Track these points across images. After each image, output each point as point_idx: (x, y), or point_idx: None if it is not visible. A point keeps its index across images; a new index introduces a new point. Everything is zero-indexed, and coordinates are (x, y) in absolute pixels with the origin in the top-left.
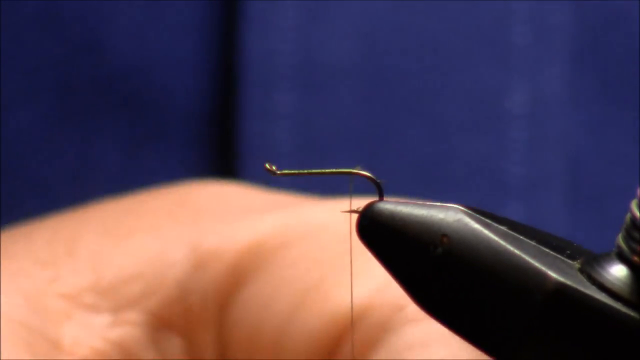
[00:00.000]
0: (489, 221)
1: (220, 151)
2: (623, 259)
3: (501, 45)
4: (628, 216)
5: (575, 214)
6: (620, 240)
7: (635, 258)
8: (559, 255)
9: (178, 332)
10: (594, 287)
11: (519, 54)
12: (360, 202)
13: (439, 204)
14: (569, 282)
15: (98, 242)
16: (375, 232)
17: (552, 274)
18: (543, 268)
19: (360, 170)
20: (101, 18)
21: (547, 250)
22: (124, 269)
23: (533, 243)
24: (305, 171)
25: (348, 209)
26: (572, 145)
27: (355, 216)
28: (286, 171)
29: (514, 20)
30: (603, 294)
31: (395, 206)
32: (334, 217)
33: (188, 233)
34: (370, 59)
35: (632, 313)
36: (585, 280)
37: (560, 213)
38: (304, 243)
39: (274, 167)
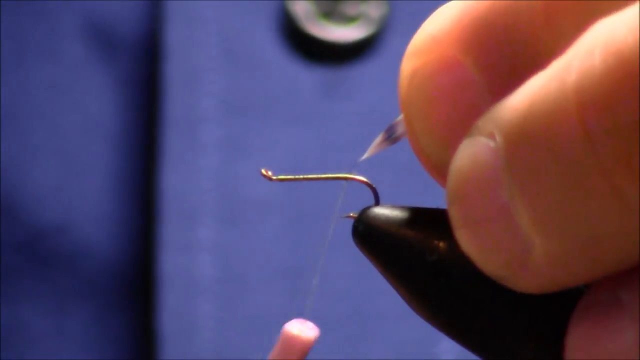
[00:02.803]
0: None
1: (141, 292)
2: None
3: None
4: None
5: None
6: None
7: None
8: None
9: None
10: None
11: None
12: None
13: (435, 208)
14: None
15: None
16: (371, 237)
17: None
18: None
19: (357, 175)
20: (16, 179)
21: None
22: None
23: None
24: (301, 176)
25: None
26: None
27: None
28: (282, 177)
29: None
30: None
31: (391, 211)
32: None
33: None
34: (290, 195)
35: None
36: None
37: None
38: None
39: (269, 173)
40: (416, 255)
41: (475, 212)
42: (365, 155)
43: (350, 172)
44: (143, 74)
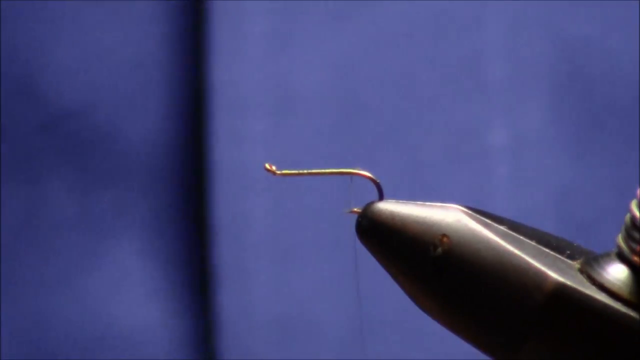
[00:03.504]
0: (489, 221)
1: (185, 183)
2: (623, 259)
3: (479, 79)
4: (628, 216)
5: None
6: (620, 240)
7: (635, 258)
8: (559, 255)
9: None
10: (593, 287)
11: (496, 87)
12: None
13: (439, 204)
14: (568, 282)
15: None
16: (375, 232)
17: (552, 274)
18: (543, 268)
19: (361, 170)
20: (43, 57)
21: (547, 250)
22: None
23: (533, 243)
24: (306, 171)
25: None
26: (556, 176)
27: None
28: (286, 171)
29: (490, 54)
30: (603, 294)
31: (395, 206)
32: None
33: None
34: (340, 89)
35: (631, 313)
36: (585, 280)
37: None
38: None
39: (273, 168)
40: (420, 251)
41: None
42: None
43: (354, 168)
44: None
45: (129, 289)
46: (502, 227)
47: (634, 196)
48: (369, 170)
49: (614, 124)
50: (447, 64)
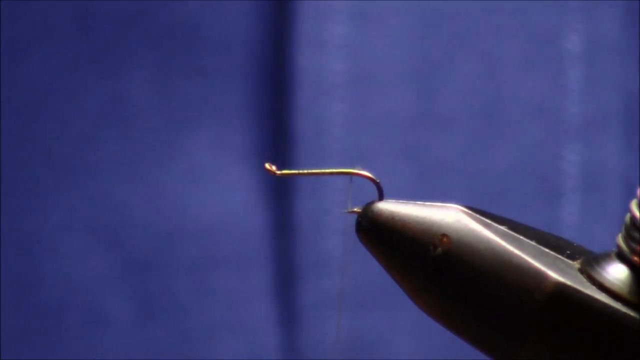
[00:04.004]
0: (488, 221)
1: (256, 78)
2: (623, 259)
3: None
4: (628, 216)
5: (635, 154)
6: (620, 240)
7: (635, 258)
8: (559, 255)
9: None
10: (593, 287)
11: None
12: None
13: (439, 204)
14: (569, 282)
15: None
16: (375, 232)
17: (552, 274)
18: (543, 268)
19: (360, 170)
20: None
21: (547, 250)
22: None
23: (533, 243)
24: (305, 171)
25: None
26: (631, 83)
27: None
28: (286, 171)
29: None
30: (603, 294)
31: (395, 206)
32: None
33: None
34: (422, 64)
35: (632, 313)
36: (585, 280)
37: (619, 153)
38: None
39: (273, 168)
40: (420, 251)
41: None
42: None
43: (354, 167)
44: None
45: (205, 181)
46: (502, 227)
47: None
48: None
49: None
50: None
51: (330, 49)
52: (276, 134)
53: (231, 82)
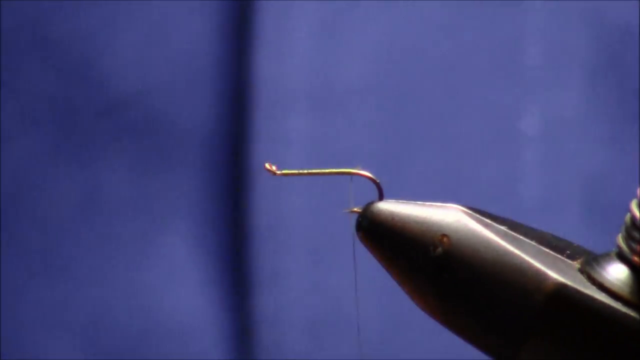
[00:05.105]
0: (488, 221)
1: (229, 173)
2: (623, 259)
3: (515, 66)
4: (628, 216)
5: (594, 233)
6: (620, 240)
7: (635, 258)
8: (559, 255)
9: None
10: (593, 287)
11: (532, 74)
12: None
13: (439, 204)
14: (569, 282)
15: None
16: (375, 232)
17: (552, 274)
18: (543, 268)
19: (361, 170)
20: (100, 44)
21: (547, 250)
22: None
23: (533, 243)
24: (306, 171)
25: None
26: (589, 164)
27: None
28: (286, 171)
29: (528, 41)
30: (603, 294)
31: (395, 206)
32: None
33: None
34: (383, 80)
35: (632, 313)
36: (585, 280)
37: (578, 232)
38: None
39: (274, 167)
40: (420, 251)
41: None
42: None
43: (355, 168)
44: None
45: (180, 277)
46: (502, 227)
47: None
48: (404, 160)
49: None
50: (484, 51)
51: (289, 142)
52: (237, 232)
53: (202, 175)
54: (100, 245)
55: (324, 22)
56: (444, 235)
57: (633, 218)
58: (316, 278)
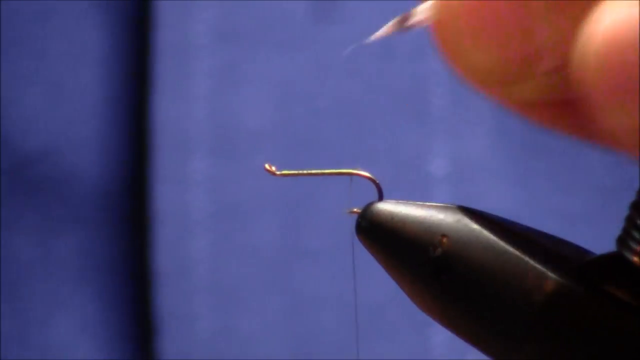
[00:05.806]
0: (489, 222)
1: (135, 225)
2: (623, 259)
3: (421, 108)
4: (628, 216)
5: None
6: (620, 240)
7: (635, 258)
8: (558, 255)
9: None
10: (593, 288)
11: (439, 115)
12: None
13: (439, 204)
14: (568, 282)
15: None
16: (375, 233)
17: (552, 274)
18: (543, 268)
19: (361, 170)
20: (2, 104)
21: (547, 250)
22: None
23: (533, 243)
24: (305, 171)
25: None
26: (498, 202)
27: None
28: (285, 172)
29: (433, 81)
30: (603, 294)
31: (395, 206)
32: None
33: None
34: (287, 122)
35: (632, 313)
36: (584, 280)
37: None
38: None
39: (273, 168)
40: (420, 251)
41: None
42: (372, 38)
43: (354, 168)
44: (133, 1)
45: (89, 336)
46: (502, 228)
47: (583, 222)
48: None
49: (557, 150)
50: (390, 92)
51: (192, 185)
52: (142, 279)
53: (107, 230)
54: (12, 309)
55: (224, 65)
56: (444, 235)
57: (633, 218)
58: (223, 321)
